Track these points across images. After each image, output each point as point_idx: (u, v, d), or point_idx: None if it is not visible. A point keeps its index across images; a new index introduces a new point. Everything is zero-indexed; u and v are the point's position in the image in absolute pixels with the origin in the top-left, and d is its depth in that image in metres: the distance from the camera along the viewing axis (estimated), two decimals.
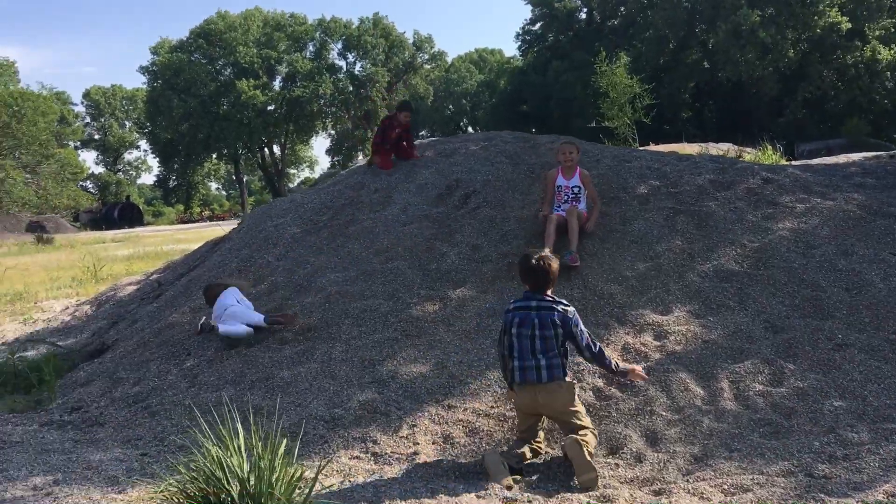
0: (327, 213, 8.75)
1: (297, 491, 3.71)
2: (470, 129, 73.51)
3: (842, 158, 15.17)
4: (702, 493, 4.01)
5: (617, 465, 4.49)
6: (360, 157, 74.59)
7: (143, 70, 62.54)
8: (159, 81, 61.19)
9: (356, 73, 66.15)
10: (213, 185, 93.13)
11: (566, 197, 7.26)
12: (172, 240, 27.79)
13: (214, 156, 68.22)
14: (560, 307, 4.70)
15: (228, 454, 3.80)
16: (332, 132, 73.59)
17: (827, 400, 4.80)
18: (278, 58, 63.14)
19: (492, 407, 5.29)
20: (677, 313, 6.00)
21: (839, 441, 4.36)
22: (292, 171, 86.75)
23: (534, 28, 62.58)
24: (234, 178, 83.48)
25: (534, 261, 4.72)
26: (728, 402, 4.96)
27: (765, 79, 45.53)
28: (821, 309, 5.77)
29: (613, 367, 4.92)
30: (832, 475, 4.03)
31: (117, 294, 9.77)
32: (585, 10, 61.23)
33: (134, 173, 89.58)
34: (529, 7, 60.54)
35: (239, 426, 3.98)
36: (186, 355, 6.85)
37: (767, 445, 4.44)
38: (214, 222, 52.03)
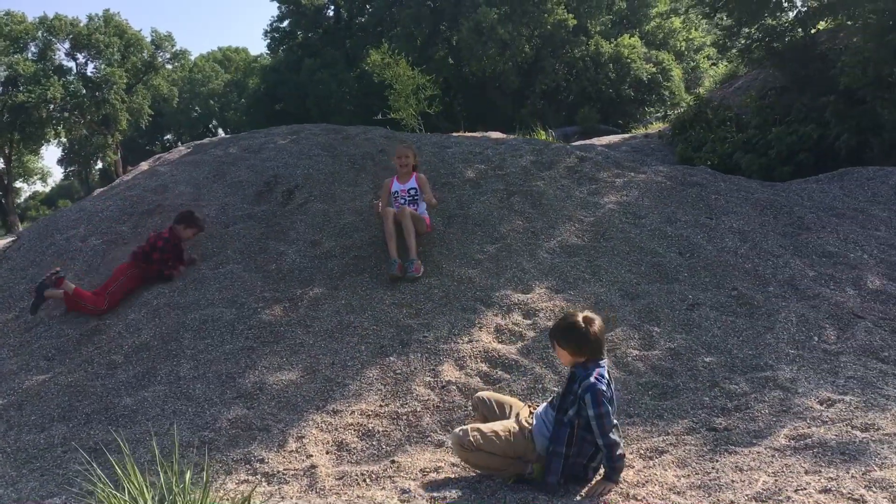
0: (129, 222, 7.81)
1: None
2: (220, 132, 70.49)
3: (603, 140, 16.52)
4: None
5: None
6: (99, 164, 68.70)
7: None
8: None
9: (89, 74, 60.37)
10: None
11: (403, 201, 6.90)
12: None
13: None
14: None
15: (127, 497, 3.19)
16: (64, 140, 66.71)
17: (698, 357, 5.11)
18: None
19: (380, 406, 4.99)
20: (538, 290, 6.09)
21: (725, 394, 4.65)
22: (20, 184, 77.50)
23: (282, 25, 61.25)
24: None
25: (591, 327, 3.83)
26: (611, 370, 5.10)
27: (506, 73, 48.48)
28: (665, 273, 6.15)
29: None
30: (732, 426, 4.28)
31: None
32: (332, 7, 61.15)
33: None
34: (276, 4, 59.22)
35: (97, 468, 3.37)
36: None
37: (662, 406, 4.63)
38: None
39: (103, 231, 7.64)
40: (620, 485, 3.76)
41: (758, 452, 3.93)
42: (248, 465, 4.51)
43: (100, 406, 5.31)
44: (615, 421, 3.76)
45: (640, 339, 5.38)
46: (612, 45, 47.05)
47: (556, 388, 4.96)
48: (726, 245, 6.48)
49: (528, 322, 5.71)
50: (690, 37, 48.78)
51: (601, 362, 3.86)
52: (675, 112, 15.76)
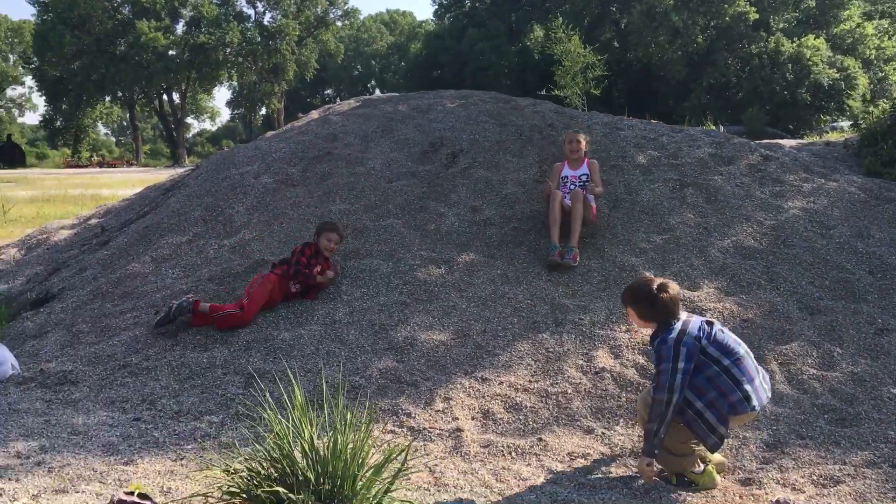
0: (299, 165, 8.02)
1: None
2: (378, 92, 72.16)
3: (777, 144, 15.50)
4: (793, 484, 3.74)
5: None
6: (263, 111, 72.18)
7: (33, 0, 57.54)
8: (50, 14, 56.47)
9: (265, 23, 63.27)
10: (103, 130, 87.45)
11: (572, 187, 6.65)
12: (72, 184, 25.75)
13: (108, 98, 63.82)
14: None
15: (297, 430, 3.20)
16: (235, 84, 70.44)
17: (884, 387, 4.64)
18: (182, 0, 59.52)
19: (529, 381, 4.86)
20: (706, 289, 5.73)
21: None
22: (191, 120, 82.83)
23: None
24: (125, 124, 78.77)
25: (664, 293, 3.71)
26: (783, 385, 4.73)
27: (673, 62, 46.62)
28: (852, 291, 5.64)
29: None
30: None
31: (50, 238, 8.69)
32: None
33: (16, 111, 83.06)
34: None
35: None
36: (156, 311, 6.08)
37: (840, 433, 4.23)
38: (106, 169, 48.96)
39: (275, 171, 7.88)
40: None
41: None
42: (394, 417, 4.52)
43: (259, 336, 5.48)
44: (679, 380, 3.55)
45: (818, 357, 4.95)
46: (794, 44, 44.23)
47: None
48: None
49: None
50: (882, 45, 45.05)
51: (676, 324, 3.69)
52: (866, 122, 14.50)
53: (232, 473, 3.15)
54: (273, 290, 5.81)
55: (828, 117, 41.10)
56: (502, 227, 6.70)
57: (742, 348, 3.72)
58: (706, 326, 3.73)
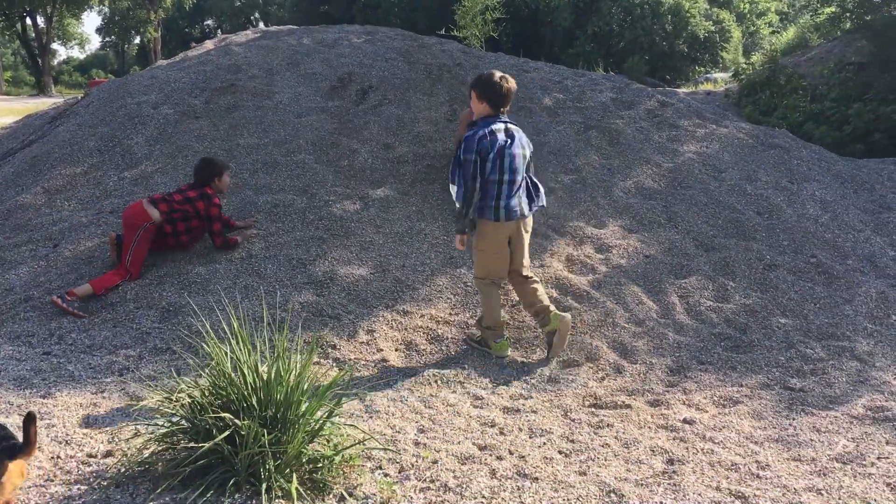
0: (201, 96, 7.72)
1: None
2: (261, 25, 69.26)
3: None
4: (697, 404, 4.09)
5: (600, 375, 4.44)
6: (137, 40, 67.89)
7: None
8: None
9: None
10: None
11: None
12: None
13: None
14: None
15: (237, 357, 3.21)
16: (107, 9, 65.82)
17: (773, 317, 5.08)
18: None
19: (450, 315, 5.01)
20: (612, 227, 6.03)
21: (800, 356, 4.63)
22: (58, 47, 76.93)
23: None
24: None
25: (504, 83, 4.35)
26: (682, 315, 5.09)
27: (560, 9, 47.17)
28: (743, 231, 6.07)
29: None
30: (807, 388, 4.28)
31: None
32: None
33: None
34: None
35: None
36: (54, 244, 5.81)
37: (736, 359, 4.62)
38: None
39: (175, 101, 7.56)
40: (695, 426, 3.78)
41: (835, 417, 3.94)
42: (319, 350, 4.56)
43: (171, 270, 5.35)
44: (474, 174, 4.27)
45: (714, 290, 5.35)
46: None
47: (627, 325, 4.96)
48: (807, 212, 6.37)
49: (601, 257, 5.67)
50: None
51: (497, 121, 4.39)
52: (745, 73, 15.34)
53: (173, 402, 3.13)
54: (153, 239, 5.37)
55: (702, 69, 42.84)
56: (415, 164, 6.75)
57: (519, 176, 4.40)
58: (508, 140, 4.36)
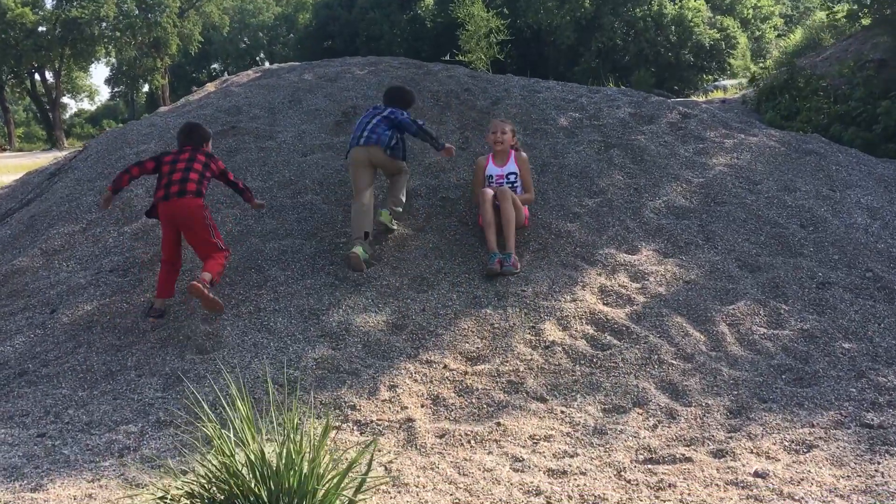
0: None
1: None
2: (267, 64, 69.73)
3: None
4: (766, 452, 3.61)
5: (651, 422, 3.98)
6: (146, 88, 68.48)
7: None
8: None
9: None
10: None
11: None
12: None
13: None
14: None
15: (241, 440, 2.80)
16: (114, 60, 66.50)
17: (835, 342, 4.60)
18: None
19: (478, 361, 4.57)
20: (646, 252, 5.58)
21: (873, 386, 4.14)
22: (68, 100, 77.75)
23: None
24: None
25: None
26: (734, 346, 4.62)
27: (563, 27, 47.04)
28: (788, 246, 5.60)
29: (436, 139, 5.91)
30: (887, 424, 3.79)
31: None
32: None
33: None
34: None
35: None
36: (51, 310, 5.45)
37: (801, 394, 4.14)
38: None
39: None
40: (769, 480, 3.30)
41: None
42: (337, 411, 4.14)
43: (173, 331, 4.96)
44: None
45: (766, 316, 4.87)
46: (676, 6, 45.29)
47: (674, 361, 4.50)
48: (855, 221, 5.89)
49: (637, 285, 5.22)
50: (759, 4, 46.78)
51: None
52: (762, 77, 14.88)
53: (168, 500, 2.71)
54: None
55: (710, 76, 42.42)
56: (429, 198, 6.35)
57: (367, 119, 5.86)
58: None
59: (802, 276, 5.22)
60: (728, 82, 27.69)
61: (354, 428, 4.01)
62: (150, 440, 3.95)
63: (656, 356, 4.52)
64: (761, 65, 18.14)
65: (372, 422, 4.05)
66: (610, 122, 7.41)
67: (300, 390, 4.29)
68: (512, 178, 5.90)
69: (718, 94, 20.91)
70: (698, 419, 3.98)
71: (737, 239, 5.68)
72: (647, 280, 5.25)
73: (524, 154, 6.03)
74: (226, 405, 3.18)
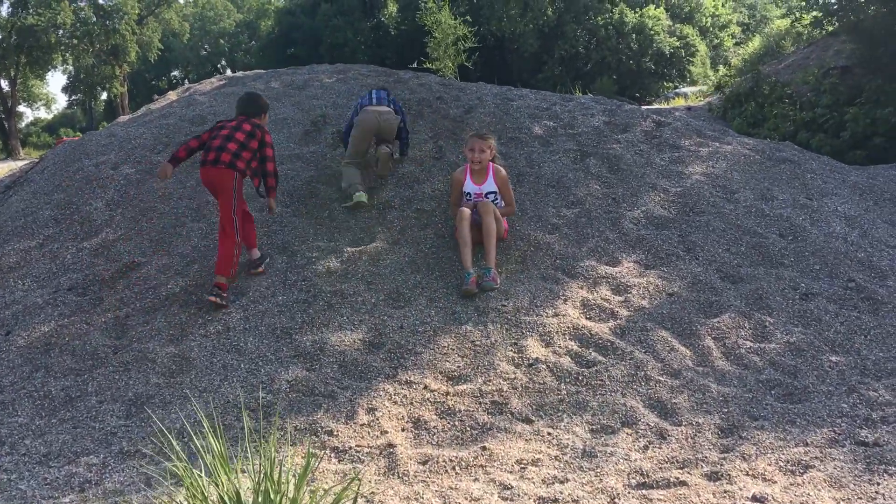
0: (165, 152, 7.12)
1: None
2: (229, 72, 68.91)
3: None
4: (762, 474, 3.48)
5: (642, 443, 3.84)
6: (104, 96, 67.15)
7: None
8: None
9: (101, 2, 58.63)
10: None
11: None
12: None
13: None
14: None
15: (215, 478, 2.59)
16: (71, 68, 65.10)
17: (822, 355, 4.51)
18: None
19: (459, 380, 4.40)
20: (627, 264, 5.46)
21: (865, 401, 4.06)
22: (24, 109, 75.83)
23: None
24: None
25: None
26: (721, 361, 4.51)
27: (525, 35, 47.20)
28: (769, 257, 5.53)
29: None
30: (882, 441, 3.69)
31: None
32: None
33: None
34: None
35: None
36: (6, 332, 5.16)
37: (793, 411, 4.03)
38: None
39: (137, 159, 6.96)
40: None
41: None
42: (314, 437, 3.93)
43: (136, 353, 4.71)
44: None
45: (751, 328, 4.77)
46: (637, 14, 45.74)
47: (661, 378, 4.37)
48: (834, 230, 5.85)
49: (620, 299, 5.09)
50: (717, 13, 47.46)
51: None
52: (727, 84, 15.01)
53: None
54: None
55: (670, 84, 42.85)
56: (403, 209, 6.17)
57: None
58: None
59: (785, 287, 5.14)
60: (688, 89, 27.92)
61: (332, 455, 3.81)
62: (113, 472, 3.71)
63: (643, 373, 4.39)
64: (725, 73, 18.29)
65: (350, 448, 3.85)
66: (585, 130, 7.30)
67: (273, 415, 4.07)
68: (491, 196, 5.67)
69: (680, 102, 21.07)
70: (689, 439, 3.85)
71: (717, 249, 5.59)
72: (630, 293, 5.13)
73: (503, 170, 5.74)
74: (193, 435, 2.97)
